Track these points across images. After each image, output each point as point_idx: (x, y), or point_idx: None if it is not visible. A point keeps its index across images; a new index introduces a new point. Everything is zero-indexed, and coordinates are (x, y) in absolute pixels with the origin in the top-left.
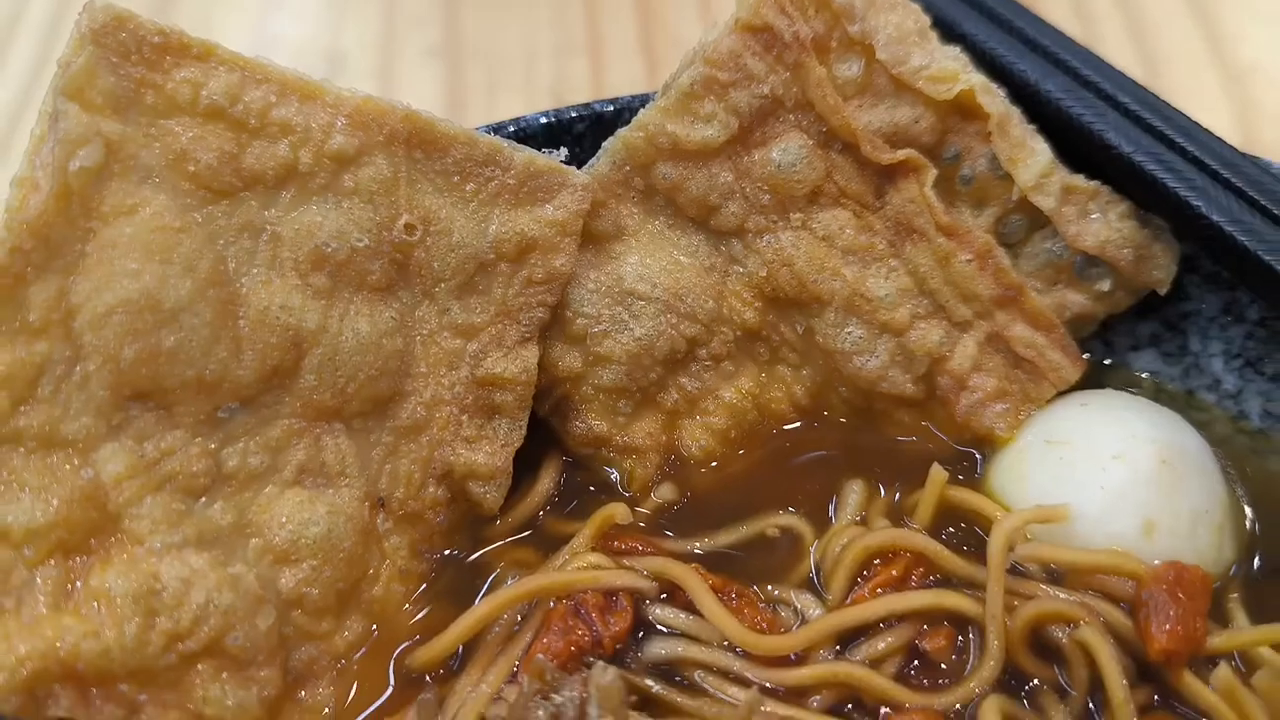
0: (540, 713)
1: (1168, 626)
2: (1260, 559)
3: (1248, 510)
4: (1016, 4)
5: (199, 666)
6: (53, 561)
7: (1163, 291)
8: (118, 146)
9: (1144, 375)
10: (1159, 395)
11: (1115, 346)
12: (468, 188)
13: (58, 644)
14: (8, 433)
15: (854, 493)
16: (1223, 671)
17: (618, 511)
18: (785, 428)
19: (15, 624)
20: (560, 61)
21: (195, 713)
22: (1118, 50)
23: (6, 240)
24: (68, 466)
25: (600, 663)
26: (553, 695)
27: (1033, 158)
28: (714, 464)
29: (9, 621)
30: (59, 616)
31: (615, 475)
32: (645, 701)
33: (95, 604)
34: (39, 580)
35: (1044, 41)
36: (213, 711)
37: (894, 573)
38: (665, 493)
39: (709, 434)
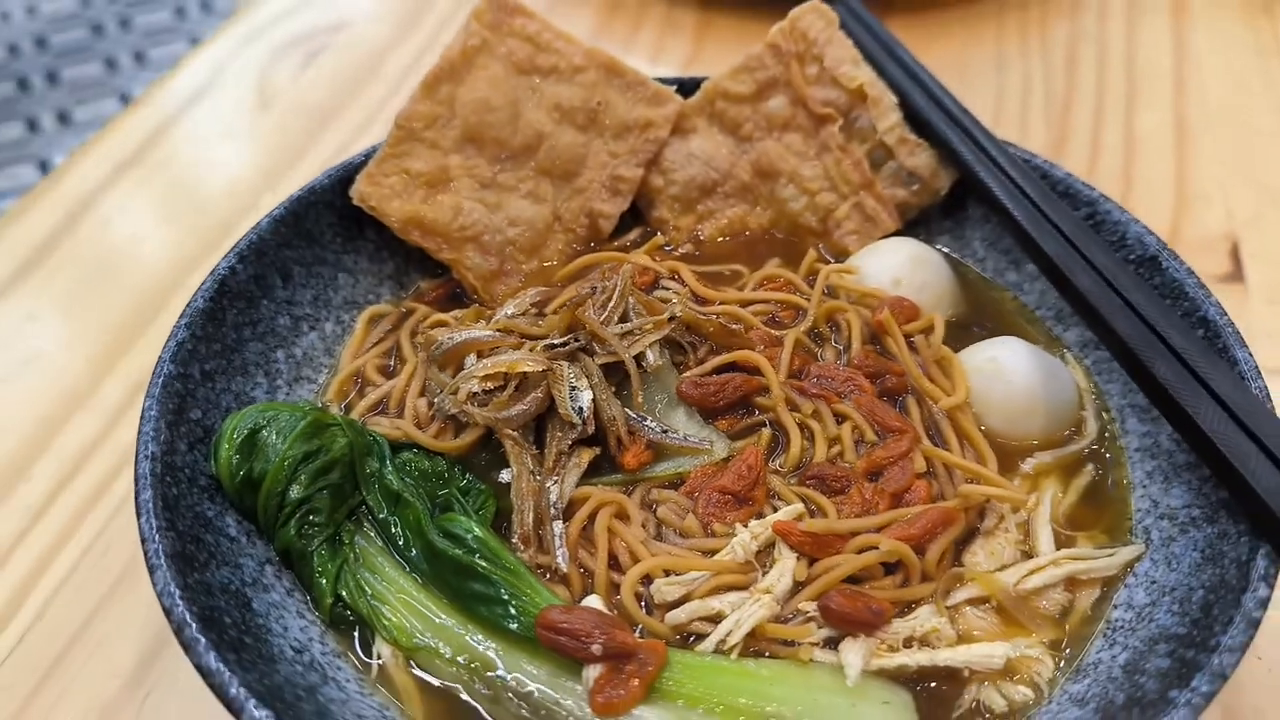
0: (602, 285)
1: (883, 313)
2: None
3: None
4: (896, 44)
5: (468, 244)
6: (423, 187)
7: (942, 195)
8: (486, 41)
9: (942, 249)
10: (948, 259)
11: (931, 231)
12: (628, 94)
13: (418, 213)
14: (419, 138)
15: (774, 262)
16: (883, 314)
17: (661, 240)
18: (751, 235)
19: (406, 203)
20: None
21: (461, 260)
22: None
23: (438, 68)
24: (437, 156)
25: (625, 264)
26: (606, 283)
27: (887, 120)
28: (714, 243)
29: (402, 201)
30: (420, 205)
31: (666, 236)
32: None
33: (434, 204)
34: (417, 192)
35: (912, 68)
36: (470, 262)
37: (777, 285)
38: (687, 249)
39: (715, 229)
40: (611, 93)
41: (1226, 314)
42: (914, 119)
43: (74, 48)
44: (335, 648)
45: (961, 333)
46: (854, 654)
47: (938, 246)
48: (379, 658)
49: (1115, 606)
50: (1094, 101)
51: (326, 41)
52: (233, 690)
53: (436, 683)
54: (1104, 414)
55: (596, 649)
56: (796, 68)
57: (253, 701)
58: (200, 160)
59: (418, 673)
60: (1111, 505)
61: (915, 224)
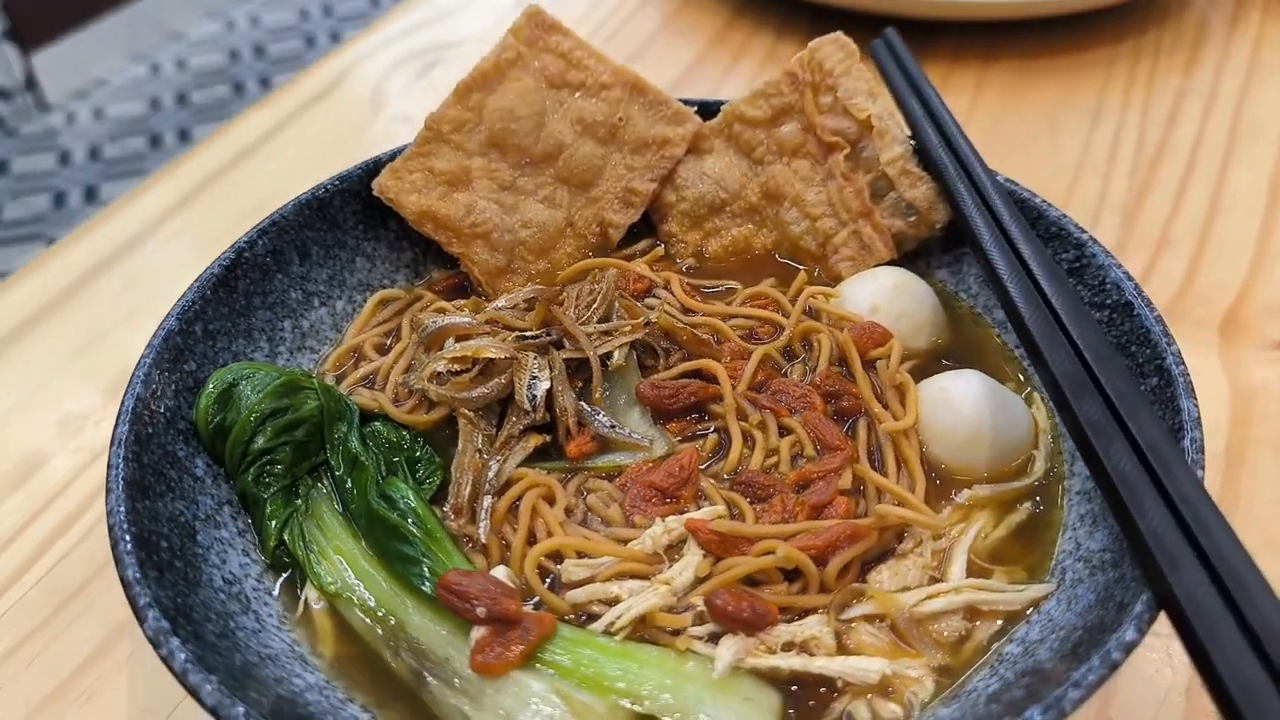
0: (589, 287)
1: (853, 335)
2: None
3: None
4: (924, 80)
5: (477, 240)
6: (442, 185)
7: (939, 228)
8: (521, 55)
9: (939, 282)
10: (942, 292)
11: (930, 264)
12: (650, 112)
13: (432, 208)
14: (445, 140)
15: (768, 281)
16: (843, 337)
17: (660, 250)
18: (754, 255)
19: (424, 198)
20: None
21: (469, 254)
22: None
23: (471, 77)
24: (460, 158)
25: (611, 269)
26: (595, 286)
27: (891, 152)
28: (717, 259)
29: (420, 196)
30: (436, 201)
31: (673, 249)
32: None
33: (450, 201)
34: (436, 189)
35: (933, 105)
36: (477, 257)
37: (763, 303)
38: (691, 263)
39: (720, 246)
40: (634, 110)
41: (1183, 364)
42: (922, 154)
43: (288, 56)
44: (269, 586)
45: (934, 364)
46: (727, 649)
47: (936, 278)
48: (304, 600)
49: (1011, 641)
50: (1187, 157)
51: (441, 56)
52: (141, 601)
53: (350, 628)
54: (1056, 455)
55: (481, 612)
56: (810, 96)
57: (154, 612)
58: (305, 156)
59: (335, 617)
60: (1040, 544)
61: (916, 255)
